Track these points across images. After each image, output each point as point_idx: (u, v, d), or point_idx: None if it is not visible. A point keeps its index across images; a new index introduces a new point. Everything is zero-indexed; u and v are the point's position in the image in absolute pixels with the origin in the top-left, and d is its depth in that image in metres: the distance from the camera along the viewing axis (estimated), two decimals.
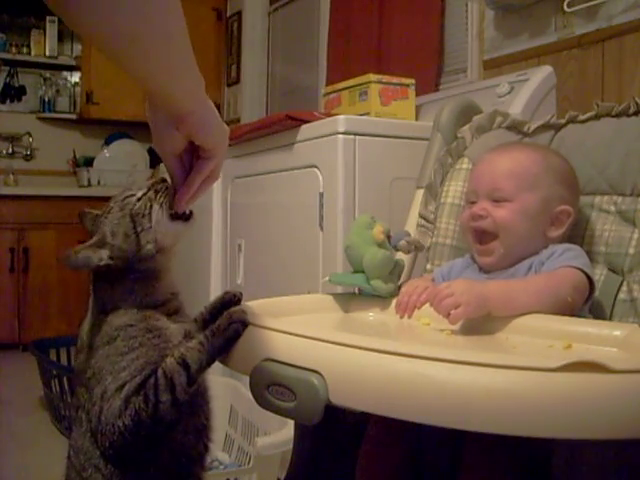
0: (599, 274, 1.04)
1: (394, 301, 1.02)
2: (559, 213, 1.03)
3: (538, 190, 1.02)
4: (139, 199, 0.84)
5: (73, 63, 4.19)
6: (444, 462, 0.89)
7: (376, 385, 0.65)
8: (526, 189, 1.01)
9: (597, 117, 1.14)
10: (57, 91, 4.26)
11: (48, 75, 4.20)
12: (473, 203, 1.05)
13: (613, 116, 1.12)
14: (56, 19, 4.10)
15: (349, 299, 1.08)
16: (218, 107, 3.98)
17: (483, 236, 1.03)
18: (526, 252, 1.01)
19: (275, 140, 1.98)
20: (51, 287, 3.66)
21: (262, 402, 0.74)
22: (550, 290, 0.90)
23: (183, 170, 0.80)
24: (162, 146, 0.77)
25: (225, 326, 0.79)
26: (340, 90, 2.04)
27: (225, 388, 2.03)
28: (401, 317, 0.99)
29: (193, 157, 0.80)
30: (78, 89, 4.20)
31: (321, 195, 1.75)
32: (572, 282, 0.92)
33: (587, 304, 0.96)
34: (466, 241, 1.11)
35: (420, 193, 1.27)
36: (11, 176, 3.99)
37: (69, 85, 4.30)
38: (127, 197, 0.85)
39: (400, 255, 1.13)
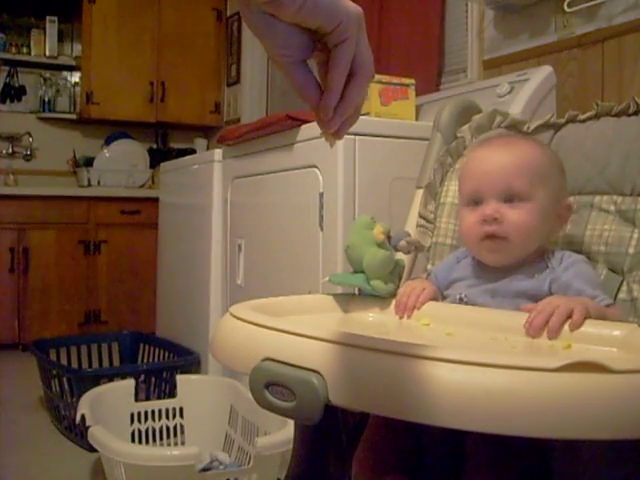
0: (599, 274, 1.04)
1: (394, 301, 1.02)
2: (563, 209, 1.00)
3: (549, 185, 0.97)
4: None
5: (73, 63, 4.19)
6: (444, 460, 0.89)
7: (376, 385, 0.64)
8: (539, 185, 0.96)
9: (597, 117, 1.14)
10: (57, 91, 4.25)
11: (48, 75, 4.20)
12: (477, 204, 0.98)
13: (613, 116, 1.12)
14: (56, 19, 4.10)
15: (349, 299, 1.08)
16: (218, 107, 4.03)
17: (493, 237, 0.96)
18: (530, 252, 0.98)
19: (275, 140, 1.98)
20: (51, 287, 3.66)
21: (262, 402, 0.74)
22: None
23: (315, 85, 0.59)
24: (274, 53, 0.58)
25: None
26: None
27: (225, 388, 2.03)
28: (400, 318, 0.99)
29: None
30: (78, 89, 4.20)
31: (321, 195, 1.75)
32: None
33: None
34: (467, 243, 1.05)
35: (420, 193, 1.27)
36: (11, 176, 3.99)
37: (69, 85, 4.30)
38: None
39: (400, 255, 1.13)
